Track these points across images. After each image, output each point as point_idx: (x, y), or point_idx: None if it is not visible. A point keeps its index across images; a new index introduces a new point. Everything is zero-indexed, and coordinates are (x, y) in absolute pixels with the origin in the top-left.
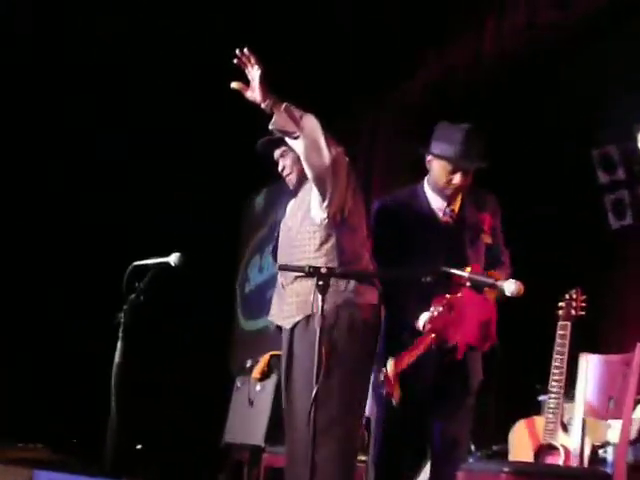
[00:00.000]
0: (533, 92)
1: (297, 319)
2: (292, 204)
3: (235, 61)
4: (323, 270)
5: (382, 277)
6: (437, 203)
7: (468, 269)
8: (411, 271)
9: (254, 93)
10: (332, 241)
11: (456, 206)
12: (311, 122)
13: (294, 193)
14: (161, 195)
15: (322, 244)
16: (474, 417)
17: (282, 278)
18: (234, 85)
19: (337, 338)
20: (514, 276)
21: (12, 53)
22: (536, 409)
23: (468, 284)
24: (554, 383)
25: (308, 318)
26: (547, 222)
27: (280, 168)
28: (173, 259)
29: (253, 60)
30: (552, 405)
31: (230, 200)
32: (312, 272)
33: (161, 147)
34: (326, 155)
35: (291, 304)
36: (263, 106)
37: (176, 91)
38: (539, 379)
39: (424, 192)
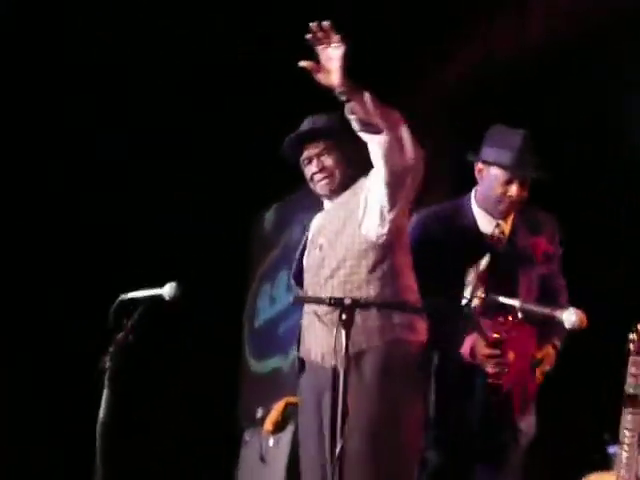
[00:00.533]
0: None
1: (354, 352)
2: (323, 217)
3: (309, 36)
4: (347, 301)
5: (428, 309)
6: (485, 222)
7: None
8: (455, 299)
9: (330, 76)
10: (388, 262)
11: (507, 227)
12: (396, 116)
13: (321, 204)
14: (158, 204)
15: (376, 265)
16: (528, 474)
17: (314, 305)
18: (304, 64)
19: (389, 382)
20: (574, 304)
21: (11, 52)
22: (605, 463)
23: (520, 315)
24: (626, 432)
25: (361, 354)
26: (610, 239)
27: (315, 169)
28: (167, 291)
29: (333, 37)
30: (624, 459)
31: (236, 217)
32: (335, 303)
33: (162, 151)
34: (410, 155)
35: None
36: (338, 91)
37: (175, 91)
38: (608, 427)
39: (470, 208)
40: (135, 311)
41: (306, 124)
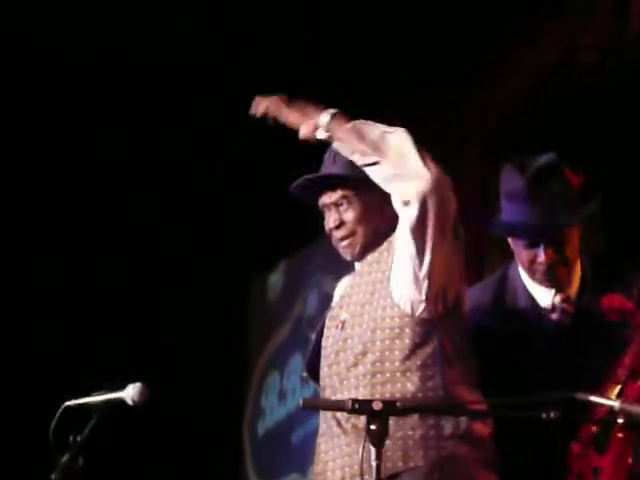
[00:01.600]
0: None
1: (386, 474)
2: (348, 283)
3: (255, 116)
4: (377, 406)
5: (498, 413)
6: (540, 291)
7: (613, 395)
8: (528, 402)
9: (305, 130)
10: (434, 344)
11: (572, 291)
12: (398, 138)
13: (349, 262)
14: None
15: (415, 349)
16: None
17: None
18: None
19: None
20: None
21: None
22: None
23: (620, 420)
24: None
25: (401, 475)
26: None
27: (333, 224)
28: (130, 394)
29: (269, 104)
30: None
31: (229, 281)
32: (360, 409)
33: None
34: (425, 175)
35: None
36: (319, 137)
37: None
38: None
39: (519, 276)
40: (87, 424)
41: (323, 166)
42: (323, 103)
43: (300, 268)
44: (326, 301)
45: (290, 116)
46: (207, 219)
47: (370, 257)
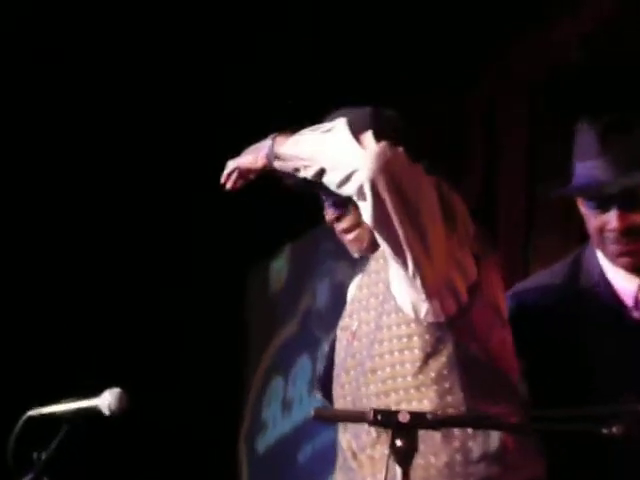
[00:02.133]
0: None
1: None
2: (358, 284)
3: (229, 188)
4: (404, 417)
5: (542, 427)
6: (622, 281)
7: None
8: (590, 413)
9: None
10: (448, 351)
11: None
12: (335, 134)
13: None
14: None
15: (428, 359)
16: None
17: (349, 434)
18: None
19: None
20: None
21: None
22: None
23: None
24: None
25: None
26: None
27: (333, 215)
28: (107, 401)
29: (237, 173)
30: None
31: (223, 267)
32: (383, 420)
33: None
34: (363, 157)
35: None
36: (274, 167)
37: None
38: None
39: (597, 261)
40: (54, 437)
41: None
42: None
43: (308, 254)
44: (339, 292)
45: (247, 164)
46: (194, 197)
47: (380, 252)
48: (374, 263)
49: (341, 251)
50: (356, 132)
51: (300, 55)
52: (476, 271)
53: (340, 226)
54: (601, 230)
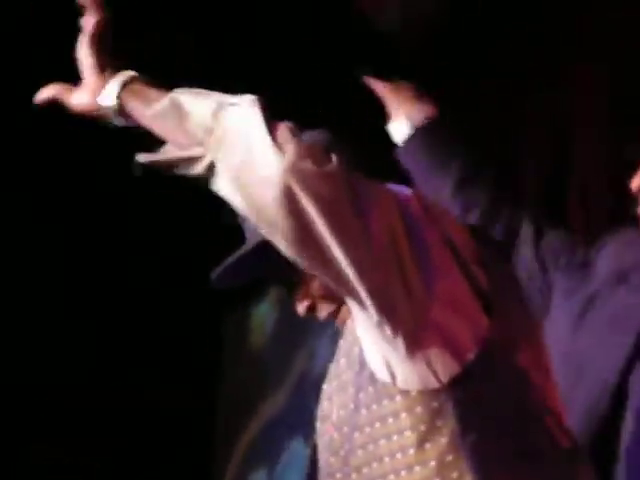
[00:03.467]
0: None
1: None
2: (336, 355)
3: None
4: None
5: None
6: None
7: None
8: None
9: (80, 100)
10: (450, 428)
11: None
12: (238, 114)
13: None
14: None
15: (424, 444)
16: None
17: None
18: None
19: None
20: None
21: None
22: None
23: None
24: None
25: None
26: None
27: (303, 310)
28: None
29: (53, 90)
30: None
31: (188, 315)
32: None
33: None
34: (277, 165)
35: None
36: (103, 109)
37: None
38: None
39: None
40: None
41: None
42: None
43: None
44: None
45: (76, 98)
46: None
47: (346, 331)
48: (348, 336)
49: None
50: (269, 121)
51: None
52: (486, 318)
53: (301, 306)
54: None
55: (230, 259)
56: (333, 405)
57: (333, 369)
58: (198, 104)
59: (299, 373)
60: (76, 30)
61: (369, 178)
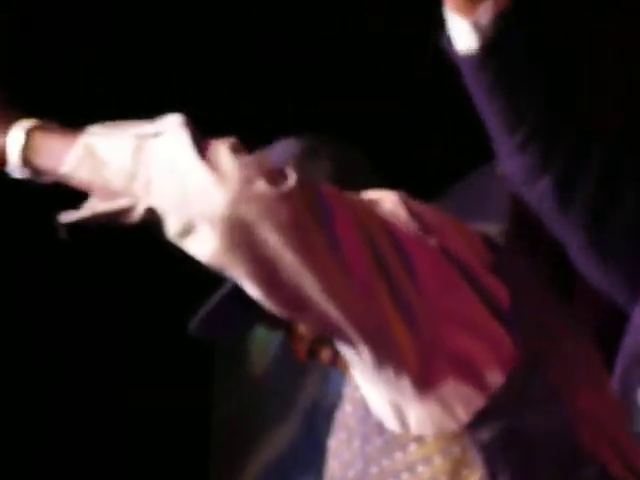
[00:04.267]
0: None
1: None
2: (343, 399)
3: None
4: None
5: None
6: None
7: None
8: None
9: None
10: (478, 473)
11: None
12: (165, 146)
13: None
14: None
15: None
16: None
17: None
18: None
19: None
20: None
21: None
22: None
23: None
24: None
25: None
26: None
27: (303, 355)
28: None
29: None
30: None
31: (176, 341)
32: None
33: None
34: (222, 199)
35: None
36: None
37: None
38: None
39: None
40: None
41: None
42: None
43: None
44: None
45: None
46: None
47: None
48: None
49: None
50: (201, 144)
51: None
52: (510, 337)
53: (298, 352)
54: None
55: (206, 306)
56: (340, 463)
57: (340, 418)
58: (114, 146)
59: (310, 400)
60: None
61: (351, 188)
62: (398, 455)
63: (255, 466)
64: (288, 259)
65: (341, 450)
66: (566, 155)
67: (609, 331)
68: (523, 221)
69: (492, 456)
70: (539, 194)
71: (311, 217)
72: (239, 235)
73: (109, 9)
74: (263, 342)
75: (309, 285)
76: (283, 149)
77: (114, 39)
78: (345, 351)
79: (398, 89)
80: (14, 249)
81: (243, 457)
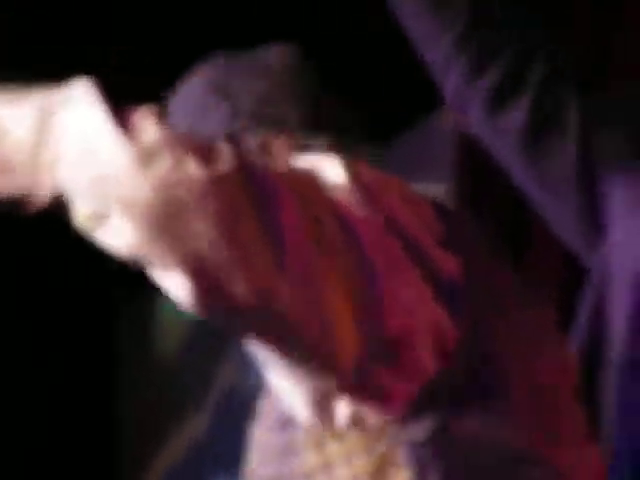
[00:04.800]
0: None
1: None
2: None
3: None
4: None
5: None
6: None
7: None
8: None
9: None
10: (404, 476)
11: None
12: (75, 116)
13: None
14: None
15: None
16: None
17: None
18: None
19: None
20: None
21: None
22: None
23: None
24: None
25: None
26: None
27: None
28: None
29: None
30: None
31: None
32: None
33: None
34: (142, 189)
35: None
36: None
37: None
38: None
39: None
40: None
41: None
42: None
43: None
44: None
45: None
46: None
47: None
48: None
49: None
50: (120, 115)
51: None
52: (453, 320)
53: None
54: None
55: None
56: (259, 457)
57: (264, 406)
58: (14, 117)
59: (225, 389)
60: None
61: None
62: (310, 455)
63: (159, 465)
64: (219, 250)
65: (263, 441)
66: (503, 63)
67: (573, 276)
68: (470, 171)
69: (422, 454)
70: (475, 107)
71: (247, 202)
72: (164, 224)
73: (109, 9)
74: (173, 321)
75: (240, 280)
76: (278, 51)
77: (114, 39)
78: (263, 348)
79: (398, 89)
80: None
81: (152, 450)
